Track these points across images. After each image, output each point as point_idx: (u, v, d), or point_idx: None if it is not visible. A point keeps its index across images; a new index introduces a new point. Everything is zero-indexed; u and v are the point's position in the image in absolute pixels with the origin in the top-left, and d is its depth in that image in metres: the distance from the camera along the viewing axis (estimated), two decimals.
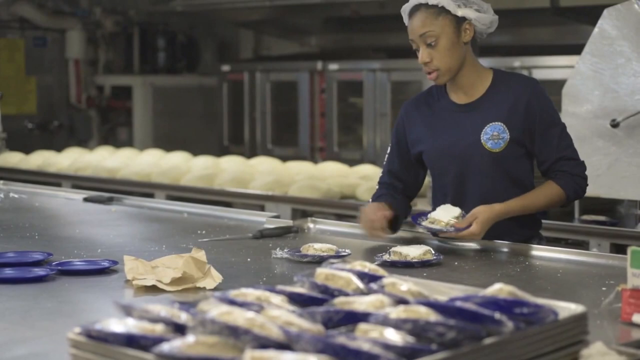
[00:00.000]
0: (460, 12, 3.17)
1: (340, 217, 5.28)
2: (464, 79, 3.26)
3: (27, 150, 7.95)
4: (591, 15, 5.12)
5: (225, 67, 9.36)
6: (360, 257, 2.59)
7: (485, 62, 7.98)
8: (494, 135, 3.22)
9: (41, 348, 2.07)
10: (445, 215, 3.15)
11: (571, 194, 3.25)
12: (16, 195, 4.79)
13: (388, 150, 3.47)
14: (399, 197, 3.42)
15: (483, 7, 3.23)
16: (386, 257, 3.00)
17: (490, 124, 3.23)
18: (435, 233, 3.25)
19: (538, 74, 7.03)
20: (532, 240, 3.30)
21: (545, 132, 3.23)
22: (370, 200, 3.44)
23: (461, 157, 3.25)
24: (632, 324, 2.20)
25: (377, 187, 3.48)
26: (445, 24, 3.16)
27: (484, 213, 3.10)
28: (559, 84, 4.79)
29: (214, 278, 2.66)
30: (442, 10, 3.16)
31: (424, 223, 3.17)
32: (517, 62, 7.16)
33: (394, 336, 1.63)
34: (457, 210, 3.16)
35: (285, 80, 8.87)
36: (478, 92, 3.28)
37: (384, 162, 3.48)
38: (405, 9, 3.26)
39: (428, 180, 5.23)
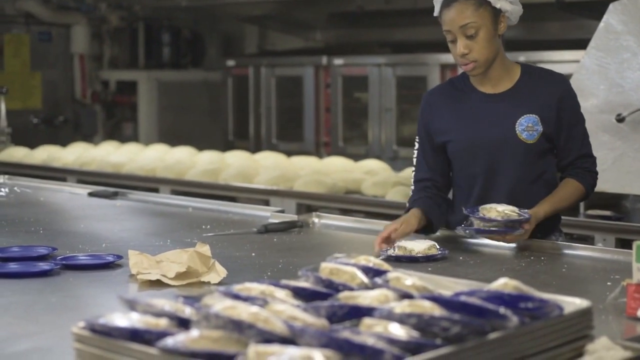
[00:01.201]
0: (499, 4, 3.14)
1: (345, 212, 5.26)
2: (494, 71, 3.23)
3: (32, 145, 7.95)
4: (597, 10, 5.10)
5: (230, 62, 9.34)
6: (365, 252, 2.58)
7: None
8: (528, 127, 3.19)
9: (45, 342, 2.07)
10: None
11: (590, 191, 3.28)
12: (19, 190, 4.79)
13: (416, 147, 3.38)
14: (434, 197, 3.30)
15: (515, 0, 3.21)
16: (391, 251, 3.00)
17: (525, 115, 3.20)
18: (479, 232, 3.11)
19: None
20: (552, 235, 3.28)
21: (572, 129, 3.23)
22: (407, 204, 3.33)
23: (494, 146, 3.21)
24: (637, 318, 2.20)
25: (412, 187, 3.37)
26: (485, 16, 3.13)
27: (533, 224, 3.06)
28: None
29: (219, 272, 2.66)
30: (482, 2, 3.12)
31: (476, 222, 3.05)
32: (522, 57, 7.14)
33: (398, 331, 1.63)
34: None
35: (290, 75, 8.86)
36: (506, 84, 3.25)
37: (415, 159, 3.38)
38: None
39: None
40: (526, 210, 3.05)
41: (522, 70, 3.28)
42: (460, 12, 3.12)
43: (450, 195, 3.40)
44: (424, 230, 3.25)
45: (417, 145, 3.38)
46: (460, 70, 3.36)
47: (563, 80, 3.26)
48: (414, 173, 3.38)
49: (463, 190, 3.30)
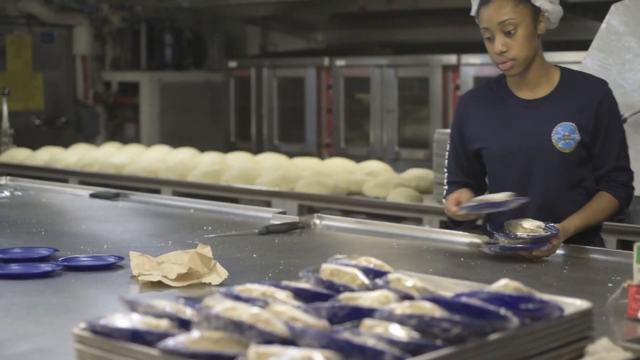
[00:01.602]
0: (538, 3, 3.06)
1: (346, 213, 5.27)
2: (532, 74, 3.14)
3: (34, 146, 7.95)
4: (598, 11, 5.11)
5: (232, 63, 9.35)
6: (367, 253, 2.57)
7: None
8: (565, 135, 3.09)
9: (46, 343, 2.07)
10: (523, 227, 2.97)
11: (624, 206, 3.18)
12: (21, 192, 4.79)
13: (448, 148, 3.30)
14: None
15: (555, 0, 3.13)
16: (472, 203, 2.98)
17: (561, 123, 3.10)
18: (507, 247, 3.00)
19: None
20: (593, 242, 3.18)
21: (609, 138, 3.14)
22: (444, 200, 3.22)
23: (529, 156, 3.12)
24: (638, 320, 2.20)
25: (445, 187, 3.29)
26: (525, 13, 3.05)
27: (562, 239, 3.00)
28: None
29: (220, 274, 2.66)
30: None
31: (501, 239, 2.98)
32: None
33: (398, 332, 1.63)
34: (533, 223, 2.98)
35: (292, 76, 8.86)
36: (544, 90, 3.16)
37: (447, 161, 3.31)
38: None
39: (433, 175, 5.24)
40: (553, 225, 2.96)
41: (561, 74, 3.18)
42: (499, 8, 3.05)
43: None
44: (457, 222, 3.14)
45: (448, 146, 3.31)
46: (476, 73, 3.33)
47: (603, 86, 3.16)
48: (446, 174, 3.30)
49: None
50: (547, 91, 3.16)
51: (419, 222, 5.04)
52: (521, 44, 3.05)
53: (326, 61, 8.51)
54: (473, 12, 3.16)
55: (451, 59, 7.66)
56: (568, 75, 3.19)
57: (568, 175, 3.12)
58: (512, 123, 3.16)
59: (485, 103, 3.23)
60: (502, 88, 3.22)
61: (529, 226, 2.94)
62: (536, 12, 3.08)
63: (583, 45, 4.95)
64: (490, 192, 3.17)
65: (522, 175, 3.14)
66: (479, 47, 8.27)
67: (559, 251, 3.06)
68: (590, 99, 3.12)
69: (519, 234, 2.93)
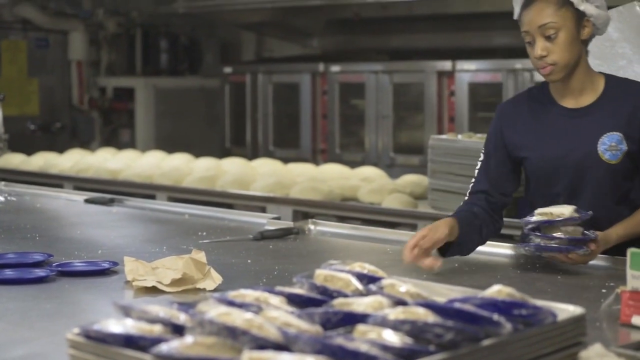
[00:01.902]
0: (582, 7, 2.95)
1: (341, 219, 5.28)
2: (576, 81, 3.03)
3: (29, 151, 7.95)
4: None
5: (228, 69, 9.36)
6: (361, 259, 2.57)
7: (487, 64, 7.99)
8: (611, 146, 2.99)
9: (40, 349, 2.07)
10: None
11: None
12: (14, 198, 4.78)
13: (481, 158, 3.17)
14: (480, 214, 3.06)
15: (602, 4, 3.02)
16: (535, 218, 2.86)
17: (608, 133, 2.99)
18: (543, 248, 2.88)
19: (540, 76, 7.03)
20: None
21: None
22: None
23: (575, 168, 3.01)
24: (632, 325, 2.21)
25: (466, 197, 3.16)
26: (567, 17, 2.94)
27: (601, 246, 2.89)
28: None
29: (214, 279, 2.67)
30: (565, 2, 2.94)
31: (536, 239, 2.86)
32: (518, 64, 7.16)
33: (392, 337, 1.63)
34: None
35: (287, 82, 8.87)
36: (589, 98, 3.05)
37: (477, 170, 3.17)
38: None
39: (428, 181, 5.25)
40: (593, 231, 2.86)
41: (606, 81, 3.08)
42: (540, 11, 2.94)
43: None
44: (453, 248, 2.96)
45: (482, 156, 3.18)
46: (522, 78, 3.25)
47: None
48: (471, 184, 3.17)
49: (529, 206, 3.05)
50: (592, 99, 3.05)
51: (413, 228, 5.05)
52: (562, 48, 2.94)
53: (321, 67, 8.52)
54: (515, 16, 3.05)
55: (446, 65, 7.67)
56: (613, 82, 3.08)
57: (614, 188, 3.02)
58: (556, 133, 3.05)
59: (527, 111, 3.11)
60: (544, 96, 3.11)
61: (566, 229, 2.83)
62: (580, 16, 2.97)
63: None
64: (531, 204, 3.07)
65: (567, 188, 3.04)
66: (473, 53, 8.30)
67: None
68: (637, 106, 3.01)
69: (555, 234, 2.83)
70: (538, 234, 2.86)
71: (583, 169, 3.01)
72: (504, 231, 4.69)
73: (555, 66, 2.96)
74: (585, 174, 3.01)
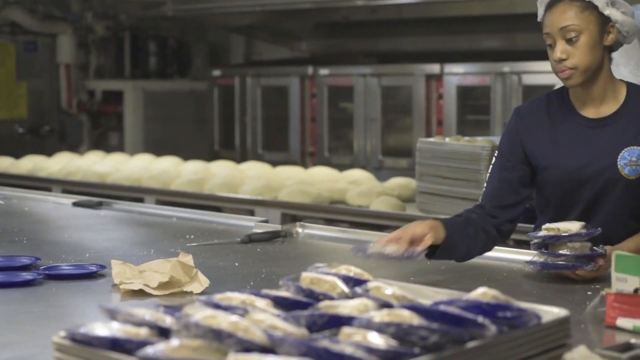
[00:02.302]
0: (607, 11, 2.87)
1: (329, 222, 5.28)
2: (597, 89, 2.94)
3: (18, 155, 7.94)
4: None
5: (216, 72, 9.37)
6: (348, 262, 2.57)
7: (475, 67, 8.01)
8: (632, 161, 2.91)
9: (26, 352, 2.07)
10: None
11: None
12: (2, 202, 4.78)
13: (493, 163, 3.05)
14: (478, 222, 2.93)
15: (629, 11, 2.93)
16: (541, 233, 2.79)
17: (628, 147, 2.91)
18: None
19: (528, 79, 7.07)
20: None
21: None
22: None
23: (593, 181, 2.92)
24: (617, 327, 2.22)
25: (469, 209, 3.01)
26: (590, 20, 2.86)
27: (609, 259, 2.75)
28: (548, 89, 4.77)
29: (201, 282, 2.67)
30: (589, 5, 2.86)
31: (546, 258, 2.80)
32: (507, 67, 7.18)
33: (377, 340, 1.64)
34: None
35: (276, 85, 8.88)
36: (610, 108, 2.96)
37: (487, 181, 3.04)
38: (543, 0, 2.95)
39: (416, 183, 5.26)
40: (602, 246, 2.79)
41: (628, 90, 2.98)
42: (562, 12, 2.87)
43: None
44: (439, 252, 2.85)
45: (494, 159, 3.07)
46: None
47: None
48: (481, 197, 3.03)
49: (551, 221, 2.92)
50: (613, 109, 2.97)
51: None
52: (583, 52, 2.86)
53: (310, 70, 8.53)
54: (539, 18, 2.97)
55: (434, 68, 7.69)
56: (634, 91, 2.99)
57: (631, 203, 2.94)
58: (575, 144, 2.96)
59: (546, 118, 3.01)
60: (563, 103, 3.02)
61: (573, 245, 2.77)
62: (604, 21, 2.89)
63: None
64: (543, 217, 3.03)
65: (582, 201, 2.96)
66: (462, 56, 8.32)
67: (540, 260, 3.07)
68: None
69: (561, 251, 2.77)
70: (544, 251, 2.81)
71: (601, 183, 2.92)
72: None
73: (575, 70, 2.87)
74: (603, 188, 2.93)
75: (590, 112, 2.98)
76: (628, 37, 2.96)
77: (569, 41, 2.87)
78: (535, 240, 2.83)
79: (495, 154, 3.08)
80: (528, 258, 2.98)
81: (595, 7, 2.88)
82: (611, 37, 2.91)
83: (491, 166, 3.07)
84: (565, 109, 3.01)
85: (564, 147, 2.97)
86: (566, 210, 2.98)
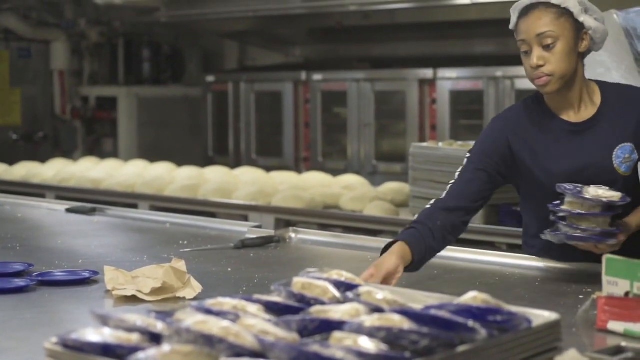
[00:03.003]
0: (582, 18, 2.89)
1: (323, 227, 5.29)
2: (574, 95, 2.95)
3: (12, 161, 7.94)
4: None
5: (210, 78, 9.37)
6: (341, 267, 2.57)
7: (468, 71, 8.02)
8: (625, 158, 2.93)
9: (19, 358, 2.08)
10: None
11: None
12: None
13: (464, 164, 3.01)
14: (437, 234, 2.85)
15: (600, 18, 2.95)
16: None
17: (620, 145, 2.93)
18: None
19: (520, 84, 7.08)
20: None
21: None
22: (407, 227, 2.88)
23: (592, 183, 2.86)
24: (608, 331, 2.22)
25: (429, 205, 2.95)
26: (566, 27, 2.87)
27: (628, 230, 2.85)
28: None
29: (194, 288, 2.67)
30: (564, 12, 2.87)
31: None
32: (499, 72, 7.20)
33: (367, 344, 1.64)
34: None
35: (270, 90, 8.89)
36: (589, 110, 2.98)
37: (452, 185, 2.99)
38: (517, 7, 2.94)
39: (409, 188, 5.26)
40: (617, 221, 2.84)
41: (601, 90, 3.01)
42: (537, 19, 2.87)
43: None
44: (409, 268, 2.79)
45: (465, 162, 3.02)
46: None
47: None
48: (443, 195, 2.97)
49: (547, 222, 2.92)
50: (592, 111, 2.98)
51: (394, 235, 5.05)
52: (559, 59, 2.87)
53: (304, 75, 8.53)
54: (512, 25, 2.98)
55: (427, 73, 7.70)
56: (608, 91, 3.02)
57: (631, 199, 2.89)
58: (565, 149, 2.96)
59: (529, 124, 3.01)
60: (541, 109, 3.02)
61: (598, 219, 2.78)
62: (579, 28, 2.90)
63: None
64: (535, 218, 3.02)
65: None
66: (455, 61, 8.33)
67: (532, 263, 3.09)
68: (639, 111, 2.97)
69: (583, 226, 2.79)
70: (564, 223, 2.81)
71: (600, 184, 2.88)
72: (483, 238, 4.72)
73: (552, 77, 2.88)
74: None
75: (571, 117, 2.99)
76: (598, 44, 2.98)
77: (546, 47, 2.87)
78: (561, 214, 2.82)
79: (467, 156, 3.03)
80: (522, 262, 3.01)
81: (571, 14, 2.89)
82: (585, 44, 2.92)
83: (461, 167, 3.02)
84: (545, 116, 3.00)
85: (556, 153, 2.96)
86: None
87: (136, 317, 1.78)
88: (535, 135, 2.99)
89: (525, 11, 2.92)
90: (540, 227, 2.95)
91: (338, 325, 1.77)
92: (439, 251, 2.91)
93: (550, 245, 2.95)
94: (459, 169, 3.03)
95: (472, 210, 2.97)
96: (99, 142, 10.49)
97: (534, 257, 3.13)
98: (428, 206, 2.95)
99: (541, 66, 2.88)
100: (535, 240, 3.06)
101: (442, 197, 2.96)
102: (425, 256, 2.83)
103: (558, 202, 2.85)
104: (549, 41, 2.87)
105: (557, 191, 2.84)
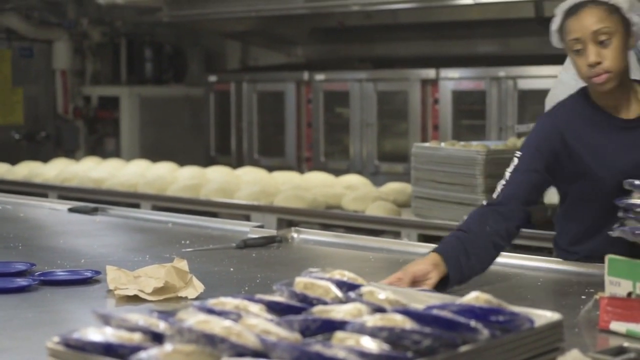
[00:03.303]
0: (628, 14, 2.89)
1: (325, 227, 5.29)
2: (624, 91, 2.94)
3: (14, 161, 7.94)
4: None
5: (212, 78, 9.37)
6: (343, 267, 2.57)
7: (470, 72, 8.02)
8: None
9: (20, 358, 2.08)
10: None
11: None
12: None
13: (515, 163, 2.95)
14: (484, 241, 2.80)
15: None
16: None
17: None
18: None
19: (522, 84, 7.08)
20: None
21: None
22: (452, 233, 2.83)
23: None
24: (610, 331, 2.22)
25: (483, 204, 2.92)
26: (618, 23, 2.86)
27: None
28: (543, 94, 4.80)
29: (196, 288, 2.67)
30: (614, 9, 2.86)
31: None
32: (502, 72, 7.19)
33: (369, 344, 1.64)
34: None
35: (272, 90, 8.88)
36: (637, 107, 2.97)
37: (507, 179, 2.93)
38: (563, 7, 2.93)
39: (412, 188, 5.26)
40: None
41: None
42: (592, 15, 2.85)
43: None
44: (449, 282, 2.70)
45: (515, 161, 2.97)
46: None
47: None
48: (496, 194, 2.92)
49: (599, 222, 2.94)
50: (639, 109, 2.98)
51: (397, 235, 5.07)
52: (616, 55, 2.85)
53: (306, 75, 8.53)
54: (556, 26, 2.96)
55: (430, 73, 7.69)
56: None
57: None
58: (621, 147, 2.95)
59: (581, 121, 2.99)
60: (592, 106, 3.00)
61: None
62: (627, 24, 2.90)
63: (559, 59, 4.99)
64: (577, 220, 2.98)
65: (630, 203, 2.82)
66: (457, 61, 8.33)
67: (534, 264, 3.08)
68: None
69: None
70: (634, 217, 2.73)
71: None
72: None
73: (610, 74, 2.86)
74: None
75: (621, 114, 2.98)
76: (638, 41, 2.97)
77: (601, 44, 2.85)
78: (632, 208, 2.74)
79: (517, 155, 2.98)
80: (524, 263, 3.00)
81: (619, 11, 2.88)
82: (632, 40, 2.91)
83: (513, 165, 2.96)
84: (596, 112, 2.99)
85: (613, 149, 2.95)
86: (614, 212, 2.82)
87: (138, 316, 1.77)
88: (589, 131, 2.97)
89: (574, 10, 2.90)
90: (588, 229, 2.92)
91: (340, 325, 1.76)
92: (488, 260, 2.82)
93: (597, 249, 2.88)
94: (510, 168, 2.96)
95: (526, 214, 2.91)
96: (101, 142, 10.49)
97: (535, 257, 3.13)
98: (480, 206, 2.91)
99: (599, 63, 2.86)
100: (578, 247, 3.01)
101: (494, 198, 2.91)
102: (461, 269, 2.71)
103: (624, 198, 2.77)
104: (604, 37, 2.85)
105: (625, 187, 2.78)
